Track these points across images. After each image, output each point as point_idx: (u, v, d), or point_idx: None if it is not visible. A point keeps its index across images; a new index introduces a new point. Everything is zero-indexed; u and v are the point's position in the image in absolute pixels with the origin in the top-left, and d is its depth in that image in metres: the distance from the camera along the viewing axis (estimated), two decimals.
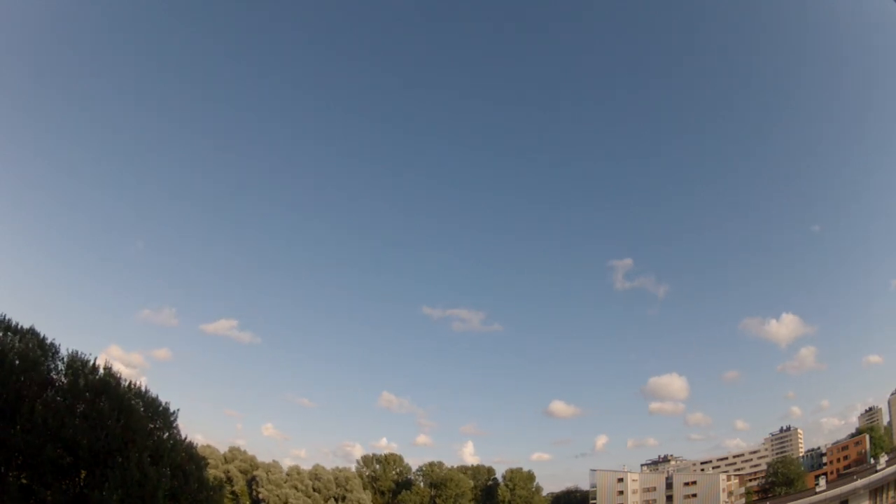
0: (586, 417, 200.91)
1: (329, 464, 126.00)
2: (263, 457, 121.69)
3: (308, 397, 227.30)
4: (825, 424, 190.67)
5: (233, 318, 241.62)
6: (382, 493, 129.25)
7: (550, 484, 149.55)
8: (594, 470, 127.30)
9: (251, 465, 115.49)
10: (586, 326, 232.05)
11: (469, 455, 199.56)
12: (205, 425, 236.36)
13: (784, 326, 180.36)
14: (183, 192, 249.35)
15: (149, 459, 29.26)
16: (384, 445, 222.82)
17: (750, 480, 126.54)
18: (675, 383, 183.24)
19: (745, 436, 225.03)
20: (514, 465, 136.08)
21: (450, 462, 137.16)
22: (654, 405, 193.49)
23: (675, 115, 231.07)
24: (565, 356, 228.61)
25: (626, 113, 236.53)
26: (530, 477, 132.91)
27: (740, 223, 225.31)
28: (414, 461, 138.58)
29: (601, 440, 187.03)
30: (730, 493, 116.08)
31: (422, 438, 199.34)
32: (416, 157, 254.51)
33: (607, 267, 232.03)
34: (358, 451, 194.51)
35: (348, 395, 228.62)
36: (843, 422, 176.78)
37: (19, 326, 33.68)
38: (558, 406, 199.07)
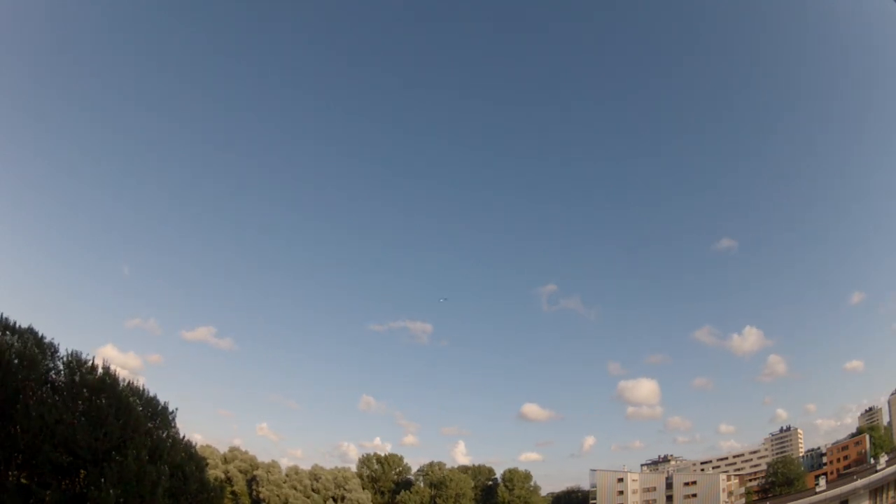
0: (563, 421, 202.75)
1: (324, 463, 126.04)
2: (262, 457, 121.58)
3: (294, 399, 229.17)
4: (821, 426, 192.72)
5: (212, 325, 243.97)
6: (382, 493, 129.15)
7: (545, 484, 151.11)
8: (594, 470, 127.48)
9: (251, 465, 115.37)
10: (559, 332, 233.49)
11: (461, 455, 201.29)
12: (202, 426, 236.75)
13: (746, 340, 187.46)
14: (180, 193, 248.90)
15: (147, 457, 29.20)
16: (378, 445, 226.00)
17: (750, 480, 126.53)
18: (645, 387, 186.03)
19: (732, 438, 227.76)
20: (504, 465, 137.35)
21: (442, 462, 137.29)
22: (631, 409, 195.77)
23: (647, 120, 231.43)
24: (536, 360, 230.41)
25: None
26: (527, 476, 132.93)
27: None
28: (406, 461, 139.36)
29: (588, 441, 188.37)
30: (730, 493, 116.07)
31: (409, 439, 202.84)
32: (400, 158, 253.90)
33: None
34: (352, 451, 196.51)
35: (332, 398, 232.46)
36: (838, 422, 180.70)
37: (18, 326, 33.65)
38: (532, 409, 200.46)
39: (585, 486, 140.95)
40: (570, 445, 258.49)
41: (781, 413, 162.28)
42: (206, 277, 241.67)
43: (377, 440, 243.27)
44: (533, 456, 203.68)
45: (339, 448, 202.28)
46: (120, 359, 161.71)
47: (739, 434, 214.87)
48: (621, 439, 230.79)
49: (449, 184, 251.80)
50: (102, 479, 27.30)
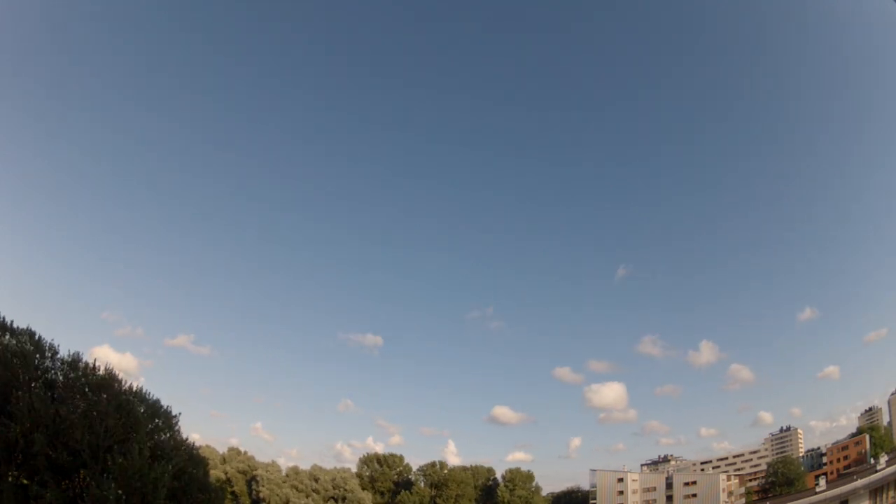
0: (535, 423, 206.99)
1: (320, 463, 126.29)
2: (259, 456, 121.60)
3: (281, 400, 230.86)
4: (815, 427, 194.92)
5: (191, 333, 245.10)
6: (382, 493, 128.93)
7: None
8: (594, 470, 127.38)
9: (250, 466, 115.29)
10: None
11: (452, 454, 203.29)
12: (197, 426, 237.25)
13: (703, 354, 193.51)
14: (177, 193, 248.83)
15: (148, 458, 29.09)
16: (370, 445, 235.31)
17: (750, 480, 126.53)
18: (613, 391, 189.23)
19: (714, 440, 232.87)
20: (490, 465, 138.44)
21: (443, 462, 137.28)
22: (603, 414, 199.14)
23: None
24: (494, 366, 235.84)
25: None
26: (529, 477, 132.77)
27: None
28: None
29: (574, 443, 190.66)
30: (730, 493, 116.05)
31: (395, 439, 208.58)
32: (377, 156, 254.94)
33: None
34: (346, 451, 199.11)
35: (315, 400, 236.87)
36: (833, 424, 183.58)
37: (17, 327, 33.53)
38: (503, 411, 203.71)
39: (567, 486, 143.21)
40: (554, 447, 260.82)
41: (765, 416, 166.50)
42: (187, 285, 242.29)
43: (369, 440, 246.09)
44: (519, 456, 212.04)
45: (334, 448, 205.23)
46: (115, 359, 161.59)
47: (722, 436, 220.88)
48: (601, 441, 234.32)
49: (409, 210, 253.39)
50: (106, 475, 27.18)
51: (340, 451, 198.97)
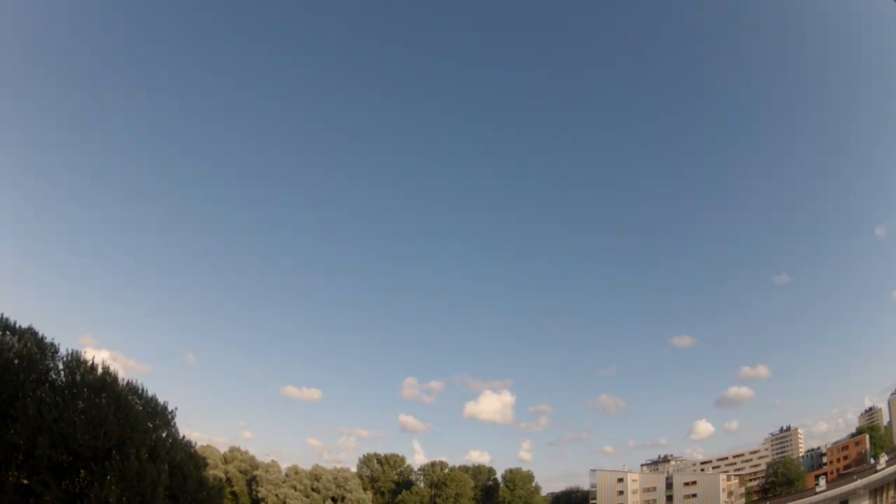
0: None
1: (298, 458, 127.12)
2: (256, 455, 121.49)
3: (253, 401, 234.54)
4: (813, 429, 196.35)
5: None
6: (382, 493, 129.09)
7: None
8: (594, 470, 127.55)
9: (250, 465, 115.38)
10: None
11: (418, 454, 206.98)
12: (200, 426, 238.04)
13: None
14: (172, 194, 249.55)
15: (147, 457, 29.26)
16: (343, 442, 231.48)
17: (750, 480, 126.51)
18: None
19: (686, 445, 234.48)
20: (460, 463, 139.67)
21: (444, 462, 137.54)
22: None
23: None
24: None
25: None
26: (529, 477, 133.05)
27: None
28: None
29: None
30: (730, 493, 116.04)
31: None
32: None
33: None
34: (314, 444, 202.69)
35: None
36: (831, 424, 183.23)
37: (18, 326, 33.71)
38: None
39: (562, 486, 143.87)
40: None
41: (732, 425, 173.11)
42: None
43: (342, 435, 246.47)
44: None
45: (308, 443, 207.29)
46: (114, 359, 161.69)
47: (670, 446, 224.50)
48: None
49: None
50: (108, 477, 27.33)
51: (311, 444, 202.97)
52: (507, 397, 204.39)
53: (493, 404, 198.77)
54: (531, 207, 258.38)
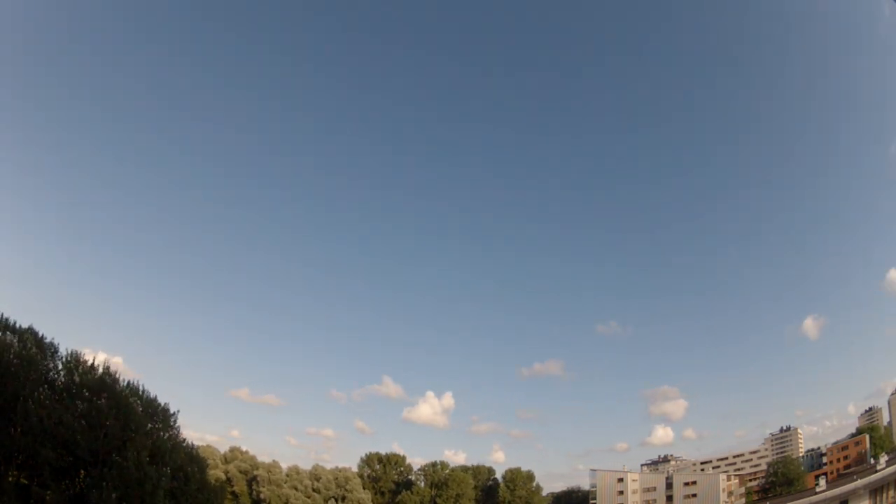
0: None
1: (283, 452, 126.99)
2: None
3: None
4: (807, 430, 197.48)
5: None
6: (383, 493, 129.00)
7: None
8: (594, 470, 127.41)
9: (251, 466, 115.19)
10: None
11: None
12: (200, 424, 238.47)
13: None
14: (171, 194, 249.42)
15: (147, 459, 29.22)
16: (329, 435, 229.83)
17: (750, 480, 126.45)
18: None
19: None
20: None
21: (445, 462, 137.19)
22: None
23: None
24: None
25: None
26: (530, 477, 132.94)
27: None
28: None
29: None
30: (730, 493, 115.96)
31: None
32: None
33: None
34: (293, 440, 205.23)
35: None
36: (830, 425, 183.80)
37: (18, 326, 33.67)
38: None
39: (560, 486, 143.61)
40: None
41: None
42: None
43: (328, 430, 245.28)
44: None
45: (287, 441, 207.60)
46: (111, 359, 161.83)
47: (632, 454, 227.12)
48: None
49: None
50: (105, 483, 27.26)
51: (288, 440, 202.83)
52: None
53: None
54: (531, 207, 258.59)
